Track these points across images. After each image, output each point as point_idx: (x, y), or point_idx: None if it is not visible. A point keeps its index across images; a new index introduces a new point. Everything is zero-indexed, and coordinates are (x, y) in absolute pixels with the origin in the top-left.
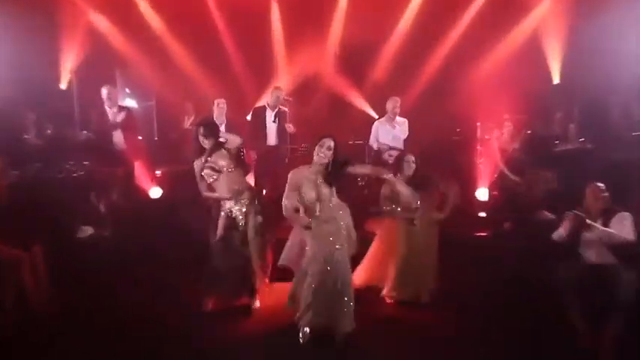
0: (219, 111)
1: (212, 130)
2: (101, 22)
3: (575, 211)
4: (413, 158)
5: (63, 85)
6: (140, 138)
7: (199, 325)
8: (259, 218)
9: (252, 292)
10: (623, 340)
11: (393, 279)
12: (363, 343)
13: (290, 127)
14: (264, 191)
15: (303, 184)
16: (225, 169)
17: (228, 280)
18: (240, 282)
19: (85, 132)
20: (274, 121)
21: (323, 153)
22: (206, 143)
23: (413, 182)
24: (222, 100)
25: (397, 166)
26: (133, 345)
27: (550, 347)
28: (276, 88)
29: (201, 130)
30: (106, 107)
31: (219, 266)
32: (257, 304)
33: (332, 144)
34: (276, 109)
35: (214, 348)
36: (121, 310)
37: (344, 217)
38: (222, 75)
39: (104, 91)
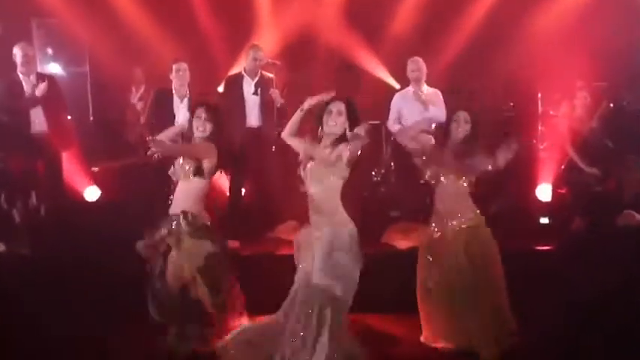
0: (179, 79)
1: (216, 114)
2: None
3: None
4: (466, 115)
5: None
6: (69, 118)
7: None
8: (208, 245)
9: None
10: None
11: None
12: None
13: (275, 94)
14: (243, 192)
15: None
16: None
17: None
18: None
19: None
20: (255, 93)
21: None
22: (201, 130)
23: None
24: (184, 65)
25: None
26: None
27: None
28: (254, 46)
29: (204, 112)
30: (20, 75)
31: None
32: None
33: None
34: (257, 77)
35: None
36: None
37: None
38: (183, 29)
39: (17, 53)
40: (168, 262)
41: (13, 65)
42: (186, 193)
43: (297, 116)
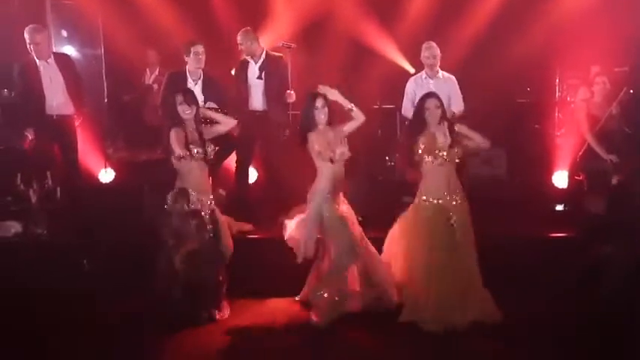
0: (195, 61)
1: (193, 97)
2: None
3: None
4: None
5: None
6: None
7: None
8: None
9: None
10: None
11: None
12: None
13: (290, 95)
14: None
15: None
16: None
17: (189, 292)
18: (204, 295)
19: (5, 90)
20: (260, 77)
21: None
22: (187, 113)
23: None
24: (201, 47)
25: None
26: None
27: None
28: (245, 31)
29: (180, 97)
30: (35, 58)
31: (179, 274)
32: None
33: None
34: (261, 60)
35: None
36: (62, 330)
37: None
38: (197, 11)
39: (28, 35)
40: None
41: (25, 47)
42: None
43: None
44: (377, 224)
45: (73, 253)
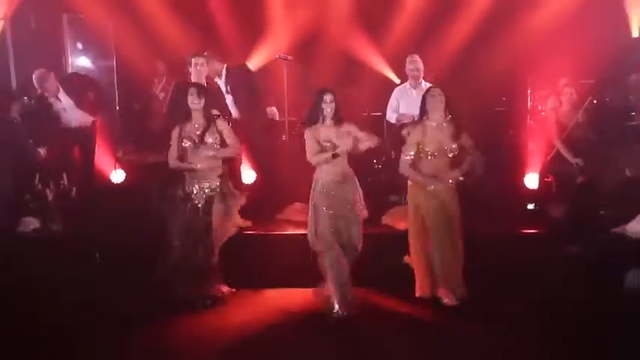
0: (197, 73)
1: (205, 90)
2: None
3: None
4: (441, 90)
5: None
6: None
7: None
8: (228, 204)
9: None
10: None
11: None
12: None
13: (272, 111)
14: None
15: None
16: (208, 145)
17: (184, 275)
18: (197, 279)
19: (25, 98)
20: (227, 92)
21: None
22: (195, 103)
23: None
24: (202, 60)
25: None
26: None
27: None
28: (206, 55)
29: (195, 89)
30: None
31: (177, 255)
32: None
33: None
34: (224, 76)
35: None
36: (75, 317)
37: None
38: (201, 26)
39: (36, 83)
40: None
41: (46, 59)
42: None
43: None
44: (367, 220)
45: (87, 246)
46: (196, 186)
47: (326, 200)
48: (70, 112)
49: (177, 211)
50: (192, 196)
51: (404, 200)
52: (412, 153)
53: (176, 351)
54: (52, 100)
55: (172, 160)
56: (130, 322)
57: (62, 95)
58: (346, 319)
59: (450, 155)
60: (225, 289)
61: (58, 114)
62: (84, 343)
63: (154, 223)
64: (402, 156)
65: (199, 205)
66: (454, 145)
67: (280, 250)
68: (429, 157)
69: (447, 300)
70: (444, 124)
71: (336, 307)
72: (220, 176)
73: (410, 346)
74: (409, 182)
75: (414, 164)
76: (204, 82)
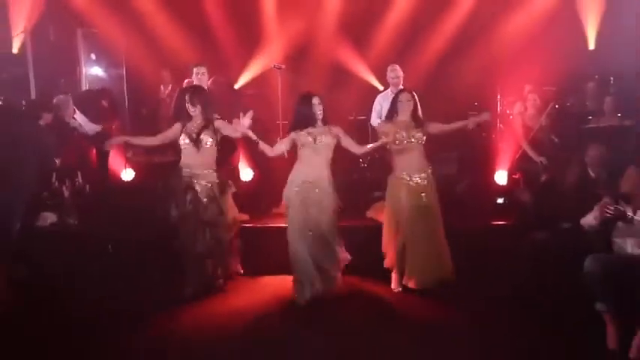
0: (198, 81)
1: (200, 96)
2: None
3: (617, 208)
4: (409, 95)
5: (15, 49)
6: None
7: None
8: (225, 198)
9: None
10: None
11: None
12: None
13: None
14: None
15: None
16: (203, 143)
17: (197, 262)
18: (210, 265)
19: (47, 115)
20: None
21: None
22: (192, 110)
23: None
24: (203, 69)
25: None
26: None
27: (575, 350)
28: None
29: (188, 96)
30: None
31: (185, 246)
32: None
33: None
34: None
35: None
36: (90, 305)
37: None
38: (202, 38)
39: (56, 106)
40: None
41: (62, 69)
42: (211, 159)
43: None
44: (353, 214)
45: (99, 238)
46: (194, 180)
47: (298, 196)
48: (85, 125)
49: (179, 202)
50: (192, 188)
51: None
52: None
53: (180, 332)
54: (68, 120)
55: (158, 137)
56: (138, 307)
57: (77, 115)
58: (332, 304)
59: (419, 142)
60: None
61: (74, 129)
62: (97, 327)
63: (159, 216)
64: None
65: (199, 196)
66: (420, 134)
67: (275, 241)
68: (400, 146)
69: (411, 284)
70: (410, 121)
71: (295, 295)
72: (215, 171)
73: (391, 332)
74: (389, 176)
75: (391, 158)
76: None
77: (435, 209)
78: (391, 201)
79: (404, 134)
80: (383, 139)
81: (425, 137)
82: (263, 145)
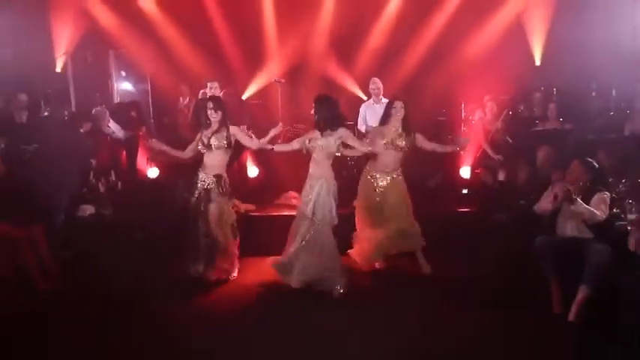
0: (211, 94)
1: (221, 104)
2: (94, 5)
3: (566, 188)
4: (402, 104)
5: (58, 69)
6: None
7: (184, 291)
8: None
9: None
10: (592, 306)
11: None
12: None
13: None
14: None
15: None
16: (214, 147)
17: (207, 250)
18: (218, 252)
19: (87, 124)
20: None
21: None
22: (214, 116)
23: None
24: (215, 84)
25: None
26: (128, 310)
27: (527, 314)
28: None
29: (211, 104)
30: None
31: (197, 236)
32: (235, 274)
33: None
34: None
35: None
36: (122, 279)
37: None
38: (214, 57)
39: (94, 117)
40: (210, 210)
41: (97, 85)
42: (218, 162)
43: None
44: (341, 204)
45: (130, 227)
46: (208, 177)
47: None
48: (117, 132)
49: (195, 196)
50: (206, 186)
51: None
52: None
53: (195, 302)
54: (104, 128)
55: (187, 151)
56: (160, 282)
57: (111, 123)
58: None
59: (400, 150)
60: (235, 274)
61: (108, 135)
62: (127, 298)
63: (178, 208)
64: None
65: (211, 192)
66: (404, 143)
67: (278, 227)
68: (385, 149)
69: (378, 265)
70: (399, 129)
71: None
72: (225, 172)
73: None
74: (363, 174)
75: (374, 156)
76: None
77: (401, 196)
78: (363, 195)
79: (394, 138)
80: (380, 141)
81: (410, 144)
82: (278, 147)
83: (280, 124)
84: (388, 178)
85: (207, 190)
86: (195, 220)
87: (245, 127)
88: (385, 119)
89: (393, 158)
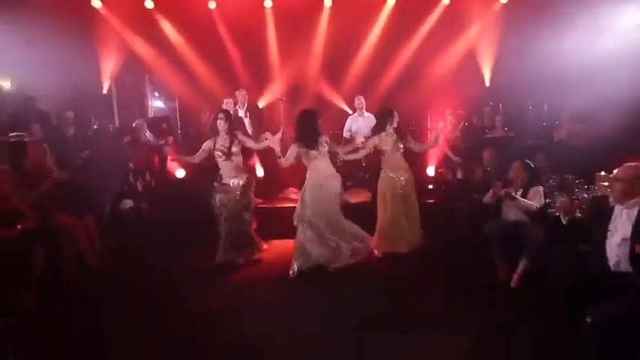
0: (240, 97)
1: (229, 116)
2: (132, 38)
3: (506, 190)
4: (395, 114)
5: (104, 90)
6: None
7: (215, 273)
8: (250, 192)
9: (253, 247)
10: (529, 274)
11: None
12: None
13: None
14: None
15: None
16: (231, 154)
17: (234, 238)
18: (243, 239)
19: (127, 135)
20: (246, 116)
21: None
22: (222, 125)
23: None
24: (230, 100)
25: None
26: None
27: (479, 282)
28: (242, 90)
29: (221, 115)
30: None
31: (225, 228)
32: (257, 255)
33: None
34: (245, 107)
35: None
36: (156, 263)
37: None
38: (229, 79)
39: (134, 131)
40: (230, 205)
41: (135, 103)
42: (239, 163)
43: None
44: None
45: (163, 218)
46: (228, 180)
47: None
48: (152, 141)
49: (218, 195)
50: (227, 187)
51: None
52: (368, 149)
53: (219, 281)
54: (142, 138)
55: (196, 157)
56: (188, 266)
57: (147, 134)
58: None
59: (400, 151)
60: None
61: (145, 143)
62: (162, 278)
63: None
64: (364, 150)
65: (233, 192)
66: (401, 145)
67: (281, 216)
68: (389, 153)
69: (377, 252)
70: (394, 134)
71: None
72: (244, 172)
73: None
74: (381, 173)
75: (381, 160)
76: (245, 103)
77: (412, 197)
78: (381, 191)
79: (391, 143)
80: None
81: (404, 147)
82: (280, 160)
83: (282, 128)
84: (402, 178)
85: (232, 187)
86: (219, 212)
87: (268, 133)
88: (382, 127)
89: (399, 159)
